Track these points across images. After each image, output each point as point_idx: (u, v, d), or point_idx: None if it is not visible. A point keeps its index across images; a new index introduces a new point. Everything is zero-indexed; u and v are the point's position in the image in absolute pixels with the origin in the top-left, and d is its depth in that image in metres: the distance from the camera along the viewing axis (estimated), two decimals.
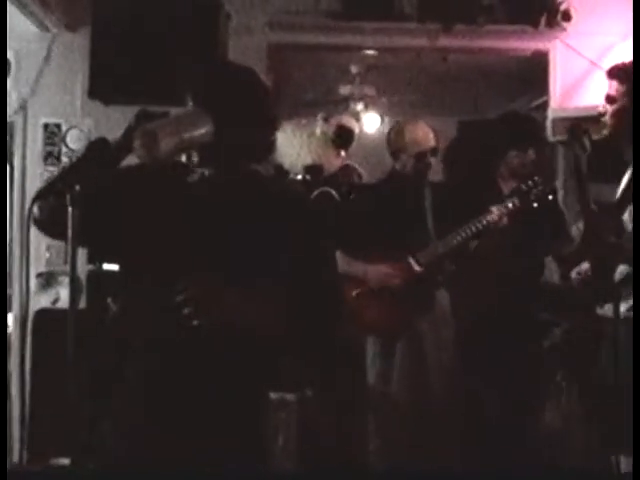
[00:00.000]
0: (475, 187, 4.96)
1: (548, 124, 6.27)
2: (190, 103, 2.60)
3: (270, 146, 2.76)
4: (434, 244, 4.80)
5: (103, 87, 5.08)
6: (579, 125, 3.71)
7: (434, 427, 4.76)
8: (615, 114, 3.77)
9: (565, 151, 6.74)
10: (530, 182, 4.72)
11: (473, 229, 4.70)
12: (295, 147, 5.25)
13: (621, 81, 3.77)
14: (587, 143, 3.63)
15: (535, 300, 5.07)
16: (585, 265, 3.83)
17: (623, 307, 3.58)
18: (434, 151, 4.94)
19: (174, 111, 2.65)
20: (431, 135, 4.94)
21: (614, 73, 3.83)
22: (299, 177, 5.24)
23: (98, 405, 2.70)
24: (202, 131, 2.48)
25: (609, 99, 3.78)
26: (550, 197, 4.72)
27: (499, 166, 5.04)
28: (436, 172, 5.48)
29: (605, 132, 3.82)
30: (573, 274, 3.87)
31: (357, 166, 5.44)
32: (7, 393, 2.88)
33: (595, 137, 3.68)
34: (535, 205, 4.68)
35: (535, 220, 4.82)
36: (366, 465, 4.81)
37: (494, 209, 4.71)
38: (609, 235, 3.66)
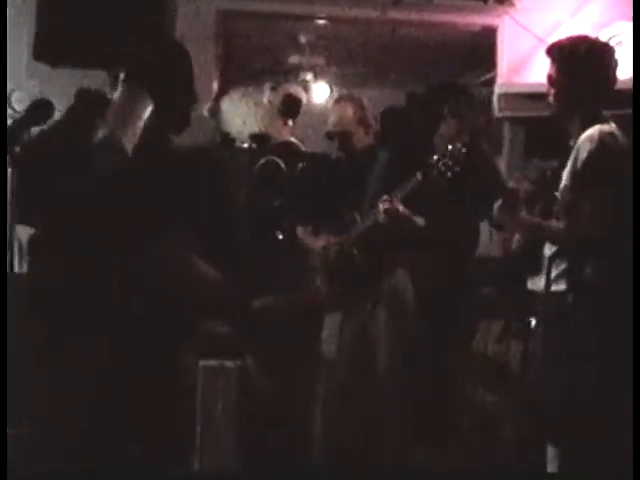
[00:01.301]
0: (412, 154, 4.83)
1: (495, 99, 6.31)
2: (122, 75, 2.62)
3: (188, 118, 2.80)
4: (364, 218, 4.75)
5: (49, 49, 5.00)
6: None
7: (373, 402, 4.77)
8: (557, 94, 3.71)
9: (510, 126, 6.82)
10: (443, 153, 4.56)
11: (390, 202, 4.60)
12: (242, 115, 5.23)
13: (559, 60, 3.69)
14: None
15: (474, 273, 5.11)
16: None
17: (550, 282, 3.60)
18: (346, 135, 4.78)
19: (108, 90, 2.68)
20: (347, 120, 4.78)
21: (552, 52, 3.74)
22: (245, 145, 5.22)
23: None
24: (145, 114, 2.52)
25: (549, 79, 3.73)
26: (457, 169, 4.53)
27: (435, 133, 5.01)
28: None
29: (550, 111, 3.80)
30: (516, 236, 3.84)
31: (298, 142, 5.39)
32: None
33: (541, 114, 3.67)
34: (449, 174, 4.49)
35: (471, 186, 4.76)
36: (308, 436, 4.82)
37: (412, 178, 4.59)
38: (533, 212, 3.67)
